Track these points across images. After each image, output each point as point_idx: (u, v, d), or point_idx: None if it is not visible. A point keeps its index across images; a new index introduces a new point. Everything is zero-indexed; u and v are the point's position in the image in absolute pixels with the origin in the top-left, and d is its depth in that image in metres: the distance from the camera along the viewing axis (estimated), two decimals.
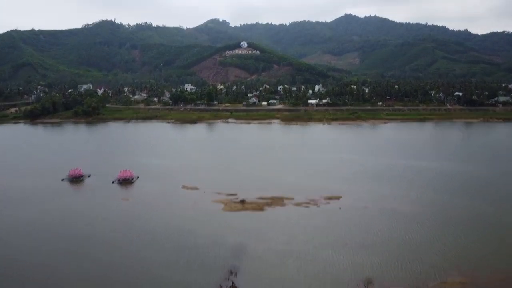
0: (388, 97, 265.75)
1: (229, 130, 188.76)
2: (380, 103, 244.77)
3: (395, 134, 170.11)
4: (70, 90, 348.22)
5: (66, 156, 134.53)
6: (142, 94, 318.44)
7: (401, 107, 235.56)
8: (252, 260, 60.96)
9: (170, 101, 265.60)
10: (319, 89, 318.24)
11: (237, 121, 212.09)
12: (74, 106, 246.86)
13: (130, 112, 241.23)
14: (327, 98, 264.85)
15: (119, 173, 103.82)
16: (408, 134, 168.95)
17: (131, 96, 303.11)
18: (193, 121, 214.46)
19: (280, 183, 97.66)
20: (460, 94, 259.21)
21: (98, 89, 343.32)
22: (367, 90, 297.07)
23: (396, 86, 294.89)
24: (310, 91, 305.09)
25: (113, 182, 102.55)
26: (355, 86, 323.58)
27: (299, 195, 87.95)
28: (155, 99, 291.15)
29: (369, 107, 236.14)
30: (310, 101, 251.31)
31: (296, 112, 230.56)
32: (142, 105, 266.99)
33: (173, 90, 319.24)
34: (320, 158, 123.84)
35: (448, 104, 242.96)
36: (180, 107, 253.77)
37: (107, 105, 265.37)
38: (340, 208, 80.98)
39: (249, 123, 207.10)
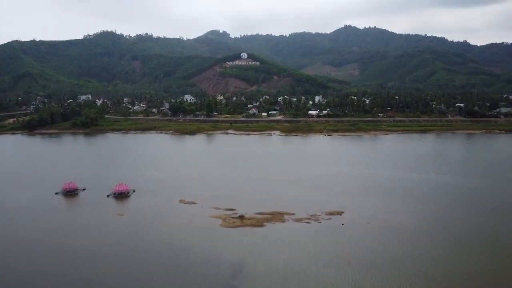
0: (388, 108, 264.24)
1: (229, 142, 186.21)
2: (381, 114, 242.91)
3: (397, 146, 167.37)
4: (69, 101, 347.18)
5: (61, 168, 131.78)
6: (141, 105, 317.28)
7: (402, 118, 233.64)
8: (252, 280, 57.98)
9: (169, 112, 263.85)
10: (319, 100, 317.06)
11: (237, 132, 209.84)
12: (72, 117, 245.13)
13: (128, 123, 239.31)
14: (328, 109, 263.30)
15: (115, 186, 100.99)
16: (409, 146, 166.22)
17: (130, 107, 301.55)
18: (192, 132, 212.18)
19: (280, 197, 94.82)
20: (461, 105, 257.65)
21: (97, 100, 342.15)
22: (367, 101, 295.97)
23: (397, 97, 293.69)
24: (311, 102, 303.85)
25: (108, 196, 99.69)
26: (355, 97, 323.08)
27: (300, 210, 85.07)
28: (154, 110, 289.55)
29: (370, 118, 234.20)
30: (310, 112, 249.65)
31: (296, 123, 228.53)
32: (141, 116, 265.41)
33: (173, 101, 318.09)
34: (321, 171, 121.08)
35: (449, 115, 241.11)
36: (179, 118, 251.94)
37: (106, 116, 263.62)
38: (342, 224, 77.97)
39: (249, 134, 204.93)
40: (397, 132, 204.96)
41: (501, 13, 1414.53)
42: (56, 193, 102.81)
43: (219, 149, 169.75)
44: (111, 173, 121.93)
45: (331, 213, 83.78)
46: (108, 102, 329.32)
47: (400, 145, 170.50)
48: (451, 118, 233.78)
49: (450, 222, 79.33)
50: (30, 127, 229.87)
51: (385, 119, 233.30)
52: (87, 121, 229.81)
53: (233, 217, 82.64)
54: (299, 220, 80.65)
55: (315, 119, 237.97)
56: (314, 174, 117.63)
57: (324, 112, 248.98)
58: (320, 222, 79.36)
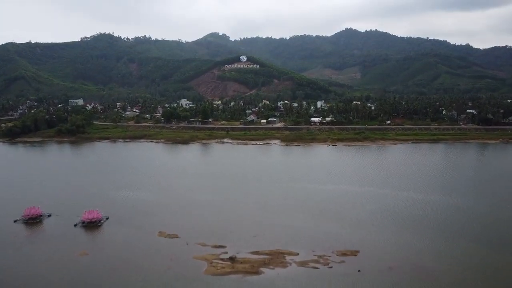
0: (395, 115, 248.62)
1: (224, 153, 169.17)
2: (388, 122, 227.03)
3: (409, 159, 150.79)
4: (59, 105, 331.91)
5: (30, 186, 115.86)
6: (134, 110, 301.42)
7: (411, 126, 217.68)
8: None
9: (162, 118, 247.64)
10: (321, 106, 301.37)
11: (233, 142, 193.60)
12: (58, 123, 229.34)
13: (118, 131, 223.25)
14: (331, 115, 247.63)
15: (84, 213, 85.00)
16: (424, 159, 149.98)
17: (122, 112, 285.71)
18: (185, 141, 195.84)
19: (281, 229, 78.81)
20: (473, 111, 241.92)
21: (88, 105, 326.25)
22: (372, 107, 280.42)
23: (403, 103, 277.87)
24: (312, 108, 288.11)
25: (75, 225, 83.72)
26: (359, 103, 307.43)
27: (305, 248, 69.19)
28: (147, 115, 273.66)
29: (376, 126, 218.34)
30: (312, 119, 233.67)
31: (298, 131, 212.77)
32: (132, 123, 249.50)
33: (166, 106, 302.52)
34: (327, 192, 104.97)
35: (461, 123, 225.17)
36: (173, 125, 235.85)
37: (95, 122, 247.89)
38: (359, 271, 61.87)
39: (246, 144, 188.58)
40: (406, 142, 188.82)
41: (502, 16, 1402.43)
42: (15, 221, 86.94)
43: (212, 162, 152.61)
44: (86, 193, 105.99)
45: (344, 253, 67.78)
46: (99, 106, 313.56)
47: (413, 157, 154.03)
48: (463, 126, 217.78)
49: (492, 268, 63.36)
50: (12, 135, 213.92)
51: (393, 126, 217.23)
52: (72, 129, 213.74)
53: (222, 259, 66.60)
54: (304, 263, 64.62)
55: (318, 126, 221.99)
56: (320, 196, 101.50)
57: (328, 119, 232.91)
58: (331, 267, 63.33)
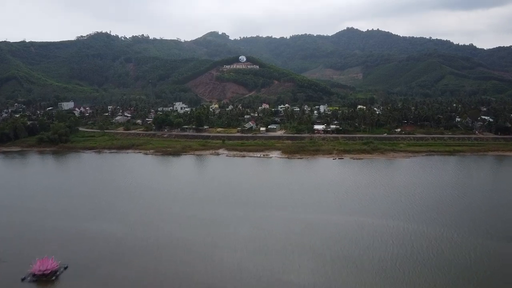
0: (405, 121, 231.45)
1: (218, 170, 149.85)
2: (398, 130, 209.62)
3: (428, 177, 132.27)
4: (48, 109, 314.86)
5: None
6: (125, 114, 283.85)
7: (423, 135, 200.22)
8: None
9: (153, 125, 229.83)
10: (324, 110, 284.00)
11: (230, 153, 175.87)
12: (41, 130, 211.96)
13: (104, 139, 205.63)
14: (335, 122, 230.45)
15: (36, 262, 67.59)
16: (445, 177, 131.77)
17: (111, 118, 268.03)
18: (177, 153, 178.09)
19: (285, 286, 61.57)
20: (487, 118, 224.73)
21: (77, 108, 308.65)
22: (378, 111, 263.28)
23: (413, 108, 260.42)
24: (315, 112, 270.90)
25: (23, 280, 66.30)
26: (364, 107, 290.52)
27: None
28: (138, 121, 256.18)
29: (385, 135, 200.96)
30: (316, 126, 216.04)
31: (300, 140, 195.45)
32: (121, 129, 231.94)
33: (160, 110, 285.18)
34: (338, 225, 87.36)
35: (477, 131, 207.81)
36: (164, 133, 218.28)
37: (81, 129, 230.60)
38: None
39: (244, 156, 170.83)
40: (420, 154, 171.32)
41: (505, 16, 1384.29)
42: None
43: (203, 182, 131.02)
44: (46, 228, 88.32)
45: None
46: (89, 110, 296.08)
47: (432, 175, 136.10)
48: (480, 136, 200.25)
49: None
50: None
51: (403, 135, 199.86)
52: (54, 137, 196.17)
53: None
54: None
55: (321, 135, 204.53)
56: (329, 231, 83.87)
57: (332, 126, 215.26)
58: None
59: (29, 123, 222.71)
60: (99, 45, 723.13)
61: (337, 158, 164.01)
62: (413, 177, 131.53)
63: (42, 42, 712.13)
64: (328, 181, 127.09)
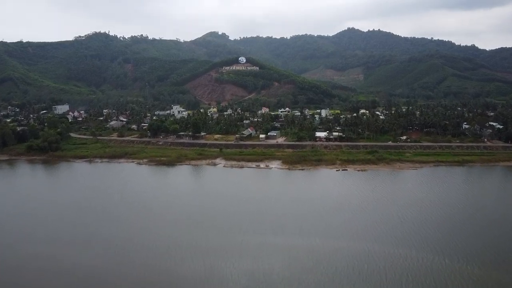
0: (410, 127, 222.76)
1: (213, 183, 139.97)
2: (404, 138, 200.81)
3: (440, 192, 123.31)
4: (41, 112, 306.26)
5: None
6: (121, 119, 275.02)
7: (430, 144, 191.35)
8: None
9: (148, 131, 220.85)
10: (326, 115, 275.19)
11: (227, 164, 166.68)
12: (31, 137, 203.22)
13: (96, 147, 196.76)
14: (337, 128, 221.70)
15: None
16: (460, 193, 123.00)
17: (106, 123, 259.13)
18: (171, 163, 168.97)
19: None
20: (496, 124, 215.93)
21: (71, 112, 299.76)
22: (381, 116, 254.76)
23: (417, 113, 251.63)
24: (317, 117, 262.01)
25: None
26: (367, 111, 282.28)
27: None
28: (134, 126, 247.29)
29: (390, 143, 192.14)
30: (317, 133, 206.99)
31: (301, 149, 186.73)
32: (115, 136, 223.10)
33: (156, 114, 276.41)
34: (347, 255, 78.55)
35: (485, 139, 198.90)
36: (160, 140, 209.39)
37: (74, 135, 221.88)
38: None
39: (242, 167, 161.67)
40: (428, 164, 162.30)
41: (507, 16, 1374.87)
42: None
43: (196, 199, 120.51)
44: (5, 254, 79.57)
45: None
46: (83, 114, 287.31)
47: (443, 189, 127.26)
48: (489, 144, 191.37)
49: None
50: None
51: (409, 144, 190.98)
52: (44, 145, 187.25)
53: None
54: None
55: (324, 143, 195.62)
56: (339, 267, 75.01)
57: (335, 133, 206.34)
58: None
59: (19, 129, 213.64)
60: (97, 46, 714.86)
61: (340, 170, 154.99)
62: (424, 193, 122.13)
63: (40, 42, 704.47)
64: (332, 198, 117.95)
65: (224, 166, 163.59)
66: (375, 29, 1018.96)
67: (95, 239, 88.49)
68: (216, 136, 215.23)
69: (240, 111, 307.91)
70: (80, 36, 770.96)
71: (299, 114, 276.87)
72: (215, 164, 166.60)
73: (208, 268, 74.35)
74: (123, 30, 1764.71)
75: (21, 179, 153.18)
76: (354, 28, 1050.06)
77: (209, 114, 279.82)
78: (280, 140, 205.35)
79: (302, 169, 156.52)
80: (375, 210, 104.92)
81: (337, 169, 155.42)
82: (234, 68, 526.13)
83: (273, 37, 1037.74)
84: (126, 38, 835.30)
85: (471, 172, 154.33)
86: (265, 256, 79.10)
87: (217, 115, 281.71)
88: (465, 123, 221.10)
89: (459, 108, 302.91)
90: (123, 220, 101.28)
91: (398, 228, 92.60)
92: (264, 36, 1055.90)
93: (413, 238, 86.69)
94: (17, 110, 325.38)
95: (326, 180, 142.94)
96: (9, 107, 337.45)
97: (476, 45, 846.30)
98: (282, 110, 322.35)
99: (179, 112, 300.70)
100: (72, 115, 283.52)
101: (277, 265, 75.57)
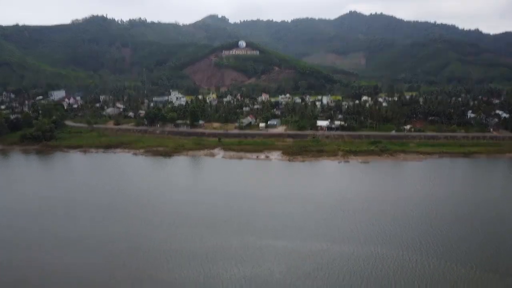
0: (413, 116, 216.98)
1: (211, 177, 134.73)
2: (408, 127, 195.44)
3: (448, 186, 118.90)
4: (37, 98, 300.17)
5: None
6: (118, 105, 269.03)
7: (434, 134, 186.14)
8: None
9: (145, 120, 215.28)
10: (327, 102, 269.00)
11: (226, 154, 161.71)
12: (25, 126, 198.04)
13: (91, 136, 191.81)
14: (339, 116, 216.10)
15: None
16: (468, 187, 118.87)
17: (102, 110, 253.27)
18: (168, 153, 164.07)
19: None
20: (502, 113, 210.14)
21: (66, 99, 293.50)
22: (384, 104, 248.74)
23: (421, 101, 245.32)
24: (318, 104, 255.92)
25: None
26: (370, 98, 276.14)
27: None
28: (131, 113, 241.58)
29: (394, 133, 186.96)
30: (319, 123, 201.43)
31: (302, 138, 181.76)
32: (111, 124, 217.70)
33: (154, 101, 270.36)
34: (352, 260, 74.28)
35: (491, 129, 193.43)
36: (157, 129, 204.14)
37: (69, 124, 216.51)
38: None
39: (241, 158, 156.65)
40: (432, 156, 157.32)
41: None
42: None
43: (192, 195, 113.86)
44: None
45: None
46: (80, 101, 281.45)
47: (451, 183, 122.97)
48: (495, 134, 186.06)
49: None
50: None
51: (413, 134, 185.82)
52: (38, 134, 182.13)
53: None
54: None
55: (325, 132, 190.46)
56: (344, 274, 70.74)
57: (337, 122, 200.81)
58: None
59: (12, 117, 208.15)
60: (95, 29, 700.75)
61: (342, 161, 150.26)
62: (432, 188, 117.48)
63: (36, 26, 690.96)
64: (334, 193, 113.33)
65: (223, 157, 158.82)
66: (377, 13, 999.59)
67: (85, 242, 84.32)
68: (215, 124, 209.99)
69: (240, 97, 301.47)
70: (77, 20, 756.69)
71: (300, 101, 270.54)
72: (213, 155, 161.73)
73: (206, 271, 70.27)
74: (120, 13, 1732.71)
75: (11, 171, 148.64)
76: (356, 12, 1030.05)
77: (208, 100, 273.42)
78: (281, 129, 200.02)
79: (303, 160, 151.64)
80: (380, 210, 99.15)
81: (339, 161, 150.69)
82: (234, 52, 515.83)
83: (274, 20, 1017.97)
84: (124, 21, 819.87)
85: (477, 164, 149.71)
86: (264, 260, 74.90)
87: (216, 101, 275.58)
88: (470, 111, 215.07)
89: (463, 95, 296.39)
90: (117, 222, 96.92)
91: (404, 230, 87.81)
92: (264, 20, 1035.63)
93: (421, 242, 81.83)
94: (13, 96, 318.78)
95: (327, 173, 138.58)
96: (4, 92, 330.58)
97: (480, 29, 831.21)
98: (283, 96, 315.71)
99: (177, 98, 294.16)
100: (67, 102, 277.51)
101: (276, 270, 71.39)
